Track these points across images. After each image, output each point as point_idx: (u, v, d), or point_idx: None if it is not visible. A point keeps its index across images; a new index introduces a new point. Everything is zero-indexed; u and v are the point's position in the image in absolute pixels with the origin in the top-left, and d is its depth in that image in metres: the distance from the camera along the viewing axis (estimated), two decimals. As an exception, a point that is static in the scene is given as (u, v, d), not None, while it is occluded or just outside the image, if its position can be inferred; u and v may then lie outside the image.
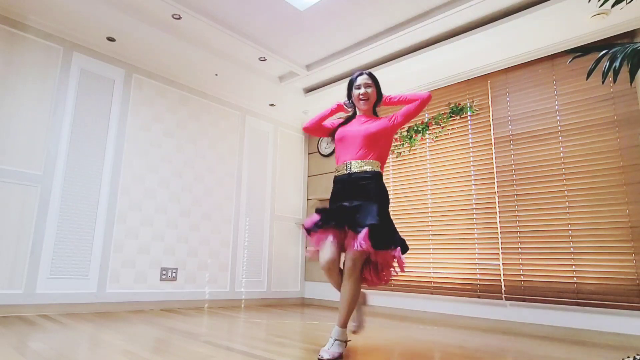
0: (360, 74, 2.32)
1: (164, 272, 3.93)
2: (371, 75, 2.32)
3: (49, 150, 3.35)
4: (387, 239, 2.01)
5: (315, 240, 2.16)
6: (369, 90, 2.28)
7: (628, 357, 2.20)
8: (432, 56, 3.73)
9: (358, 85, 2.29)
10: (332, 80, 4.41)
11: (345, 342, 2.04)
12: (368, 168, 2.16)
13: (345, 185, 2.18)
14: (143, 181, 3.92)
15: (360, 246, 1.92)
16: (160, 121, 4.14)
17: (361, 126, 2.25)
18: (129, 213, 3.78)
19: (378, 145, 2.22)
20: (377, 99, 2.33)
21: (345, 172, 2.19)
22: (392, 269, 2.17)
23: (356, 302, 2.07)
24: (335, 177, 2.26)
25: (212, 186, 4.48)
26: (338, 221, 2.07)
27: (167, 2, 3.17)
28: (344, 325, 2.04)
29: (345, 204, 2.10)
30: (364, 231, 1.93)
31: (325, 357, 1.90)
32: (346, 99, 2.38)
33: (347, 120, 2.36)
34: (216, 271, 4.36)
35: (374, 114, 2.36)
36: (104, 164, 3.66)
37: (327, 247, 2.07)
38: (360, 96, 2.28)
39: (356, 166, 2.17)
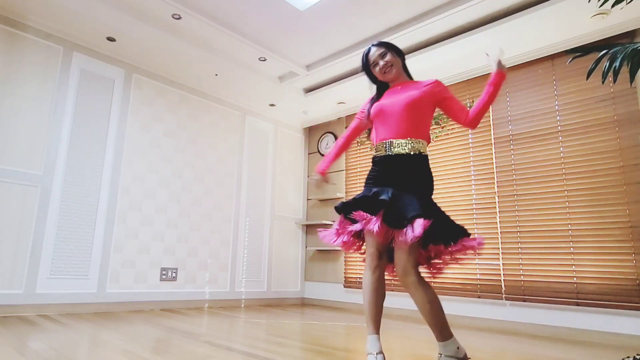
0: (368, 52, 1.95)
1: (164, 272, 3.93)
2: (380, 44, 1.94)
3: (49, 150, 3.35)
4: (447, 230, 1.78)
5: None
6: (388, 57, 1.90)
7: (628, 357, 2.20)
8: (432, 56, 3.72)
9: (374, 62, 1.93)
10: (332, 80, 4.41)
11: (461, 358, 1.68)
12: (413, 148, 1.79)
13: (384, 167, 1.82)
14: (143, 181, 3.92)
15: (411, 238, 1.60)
16: (160, 121, 4.14)
17: (401, 94, 1.87)
18: (129, 213, 3.78)
19: (423, 116, 1.85)
20: (402, 60, 1.97)
21: (384, 153, 1.82)
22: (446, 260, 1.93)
23: (440, 307, 1.75)
24: (374, 157, 1.89)
25: (212, 186, 4.48)
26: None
27: (167, 2, 3.17)
28: (444, 338, 1.70)
29: (383, 197, 1.70)
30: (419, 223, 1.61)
31: None
32: (371, 94, 2.01)
33: (380, 93, 1.97)
34: (216, 271, 4.36)
35: (409, 77, 2.00)
36: (104, 164, 3.66)
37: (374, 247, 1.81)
38: (383, 69, 1.90)
39: (398, 146, 1.80)
